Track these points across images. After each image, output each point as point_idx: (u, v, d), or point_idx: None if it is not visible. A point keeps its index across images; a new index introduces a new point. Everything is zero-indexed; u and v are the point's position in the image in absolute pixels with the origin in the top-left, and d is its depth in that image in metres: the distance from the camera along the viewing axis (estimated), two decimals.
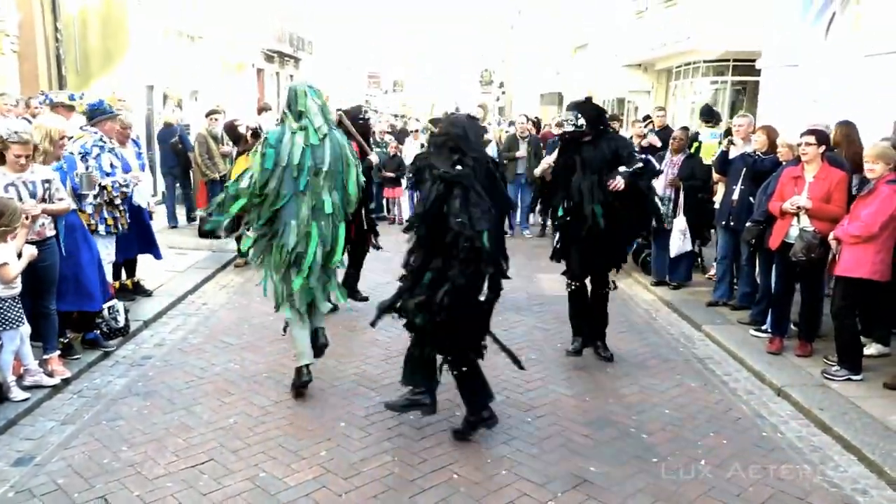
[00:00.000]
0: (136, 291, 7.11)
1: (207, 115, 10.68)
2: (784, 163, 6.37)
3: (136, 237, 6.71)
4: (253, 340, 6.19)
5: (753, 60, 12.13)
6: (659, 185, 8.31)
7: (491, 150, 11.87)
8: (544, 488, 3.90)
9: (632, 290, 8.38)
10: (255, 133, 8.48)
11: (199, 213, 10.78)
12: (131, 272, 7.11)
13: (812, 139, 5.73)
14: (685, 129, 9.03)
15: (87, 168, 5.80)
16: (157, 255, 7.18)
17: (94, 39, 11.79)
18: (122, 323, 5.89)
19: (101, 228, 5.97)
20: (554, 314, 7.21)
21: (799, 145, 5.84)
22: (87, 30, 11.55)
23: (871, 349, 5.81)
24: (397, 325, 6.62)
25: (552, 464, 4.17)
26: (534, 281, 8.67)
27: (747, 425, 4.76)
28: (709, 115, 9.99)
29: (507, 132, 13.40)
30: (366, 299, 7.24)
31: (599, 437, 4.55)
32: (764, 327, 6.38)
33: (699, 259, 8.76)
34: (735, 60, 15.41)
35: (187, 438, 4.36)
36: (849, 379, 5.35)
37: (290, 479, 3.92)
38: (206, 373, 5.44)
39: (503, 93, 49.44)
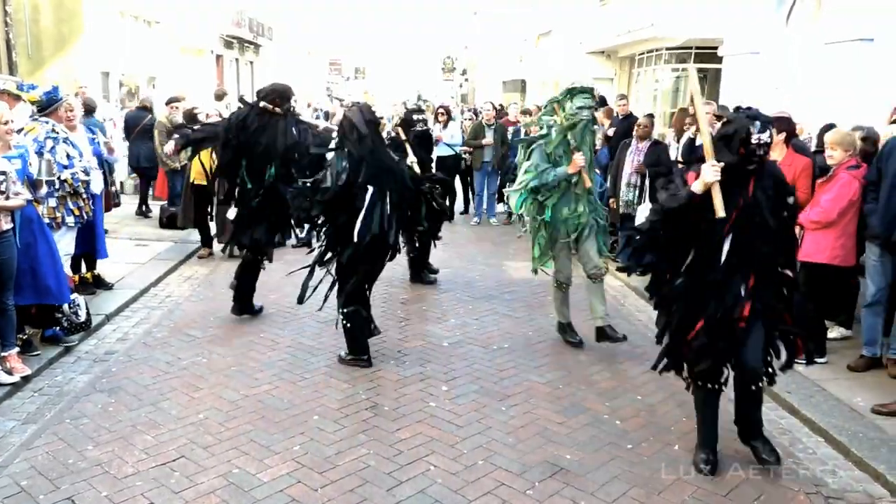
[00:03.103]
0: (97, 285, 6.92)
1: (168, 102, 10.41)
2: None
3: (88, 230, 6.43)
4: (220, 333, 6.07)
5: (716, 48, 12.29)
6: (625, 171, 8.41)
7: (457, 138, 11.86)
8: (521, 477, 3.90)
9: None
10: None
11: (162, 203, 10.54)
12: (91, 265, 6.91)
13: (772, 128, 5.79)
14: (650, 115, 9.10)
15: (44, 162, 5.61)
16: (103, 254, 6.79)
17: (47, 23, 11.41)
18: (83, 317, 5.73)
19: (70, 220, 5.80)
20: (523, 302, 7.23)
21: None
22: (39, 13, 11.17)
23: (834, 333, 5.93)
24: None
25: (528, 452, 4.17)
26: (502, 269, 8.67)
27: (720, 411, 4.81)
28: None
29: (470, 120, 13.34)
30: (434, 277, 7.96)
31: (573, 424, 4.56)
32: None
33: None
34: (698, 48, 15.56)
35: (156, 435, 4.25)
36: (814, 362, 5.44)
37: (264, 475, 3.85)
38: (172, 367, 5.31)
39: (466, 80, 49.33)
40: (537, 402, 4.87)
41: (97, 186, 6.42)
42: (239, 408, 4.66)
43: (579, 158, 5.53)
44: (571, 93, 5.51)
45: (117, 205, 8.27)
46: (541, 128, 5.85)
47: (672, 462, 4.11)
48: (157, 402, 4.71)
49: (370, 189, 5.06)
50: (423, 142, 7.99)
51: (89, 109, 10.49)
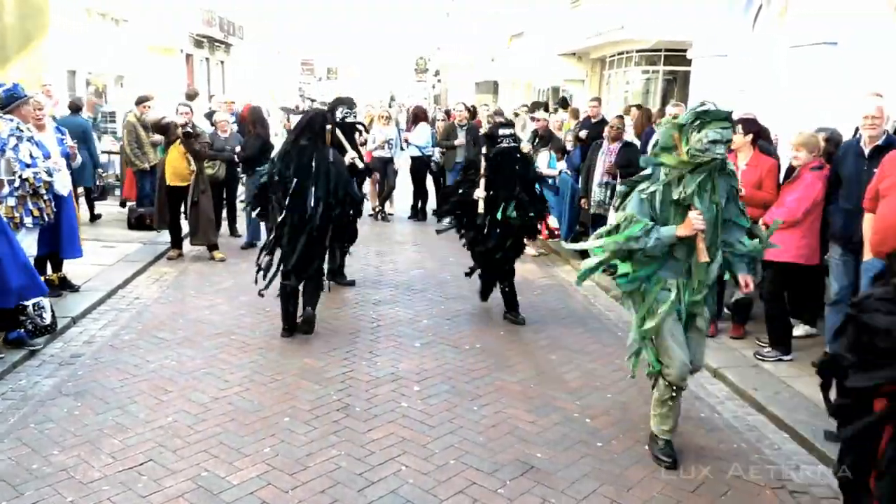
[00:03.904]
0: (63, 286, 6.79)
1: (138, 102, 10.27)
2: None
3: (53, 230, 6.30)
4: (189, 335, 6.00)
5: (685, 50, 12.43)
6: (596, 172, 8.48)
7: (426, 139, 11.88)
8: (493, 476, 3.91)
9: (570, 277, 8.48)
10: (188, 133, 8.19)
11: (130, 204, 10.40)
12: (57, 267, 6.78)
13: (738, 127, 5.89)
14: (621, 117, 9.18)
15: (4, 159, 5.49)
16: (74, 254, 6.62)
17: (12, 19, 11.19)
18: (48, 320, 5.62)
19: (28, 221, 5.68)
20: (495, 302, 7.24)
21: None
22: (4, 10, 10.96)
23: (799, 330, 6.04)
24: (337, 318, 6.59)
25: (499, 451, 4.19)
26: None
27: (686, 406, 4.85)
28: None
29: (443, 121, 13.35)
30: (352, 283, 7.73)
31: (545, 423, 4.59)
32: None
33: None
34: (667, 50, 15.77)
35: (123, 439, 4.19)
36: (780, 359, 5.56)
37: (234, 478, 3.82)
38: (140, 370, 5.24)
39: (439, 81, 49.36)
40: (509, 402, 4.89)
41: (64, 187, 6.31)
42: (208, 410, 4.61)
43: (696, 218, 3.81)
44: (702, 118, 3.74)
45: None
46: (644, 165, 4.12)
47: (642, 459, 4.15)
48: (125, 406, 4.64)
49: (295, 180, 5.81)
50: (509, 161, 6.39)
51: (76, 108, 10.35)
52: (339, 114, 6.80)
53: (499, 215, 6.34)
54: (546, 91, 23.41)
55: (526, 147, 9.98)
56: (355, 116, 7.16)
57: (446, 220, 7.21)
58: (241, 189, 10.20)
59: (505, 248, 6.56)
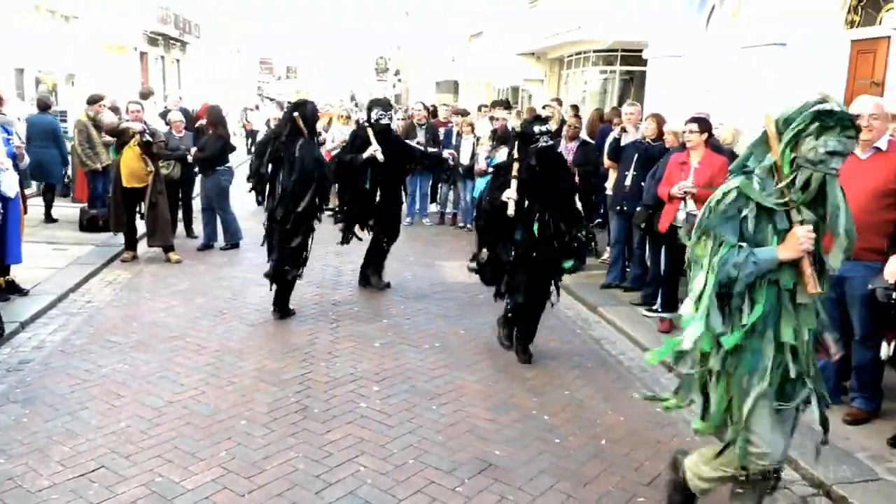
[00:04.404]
0: (11, 290, 6.59)
1: (90, 102, 10.03)
2: (670, 149, 6.65)
3: None
4: (143, 339, 5.88)
5: (641, 51, 12.62)
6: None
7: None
8: (451, 475, 3.92)
9: None
10: (148, 143, 8.05)
11: (82, 206, 10.15)
12: (4, 270, 6.59)
13: (695, 126, 6.01)
14: (577, 116, 9.29)
15: None
16: (17, 258, 6.39)
17: None
18: None
19: None
20: (456, 301, 7.27)
21: (683, 132, 6.11)
22: None
23: None
24: (296, 318, 6.53)
25: (458, 450, 4.20)
26: (435, 268, 8.70)
27: (642, 402, 4.94)
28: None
29: (403, 120, 13.33)
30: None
31: (503, 420, 4.62)
32: (655, 307, 6.66)
33: (593, 243, 9.03)
34: (623, 51, 15.98)
35: (74, 446, 4.09)
36: None
37: (188, 483, 3.75)
38: (92, 375, 5.12)
39: (399, 80, 49.25)
40: (468, 400, 4.90)
41: (10, 189, 6.14)
42: (163, 415, 4.53)
43: (803, 235, 2.79)
44: (824, 120, 2.76)
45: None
46: (731, 172, 3.11)
47: (598, 454, 4.20)
48: (76, 412, 4.53)
49: (271, 167, 6.37)
50: (549, 158, 5.39)
51: (44, 107, 10.08)
52: (373, 115, 7.27)
53: (535, 229, 5.33)
54: (506, 90, 23.53)
55: (487, 145, 10.05)
56: (391, 119, 7.56)
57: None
58: (196, 190, 10.04)
59: (549, 263, 5.49)
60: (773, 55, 8.47)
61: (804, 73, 7.92)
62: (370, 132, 7.14)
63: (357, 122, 11.41)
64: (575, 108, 11.22)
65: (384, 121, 7.26)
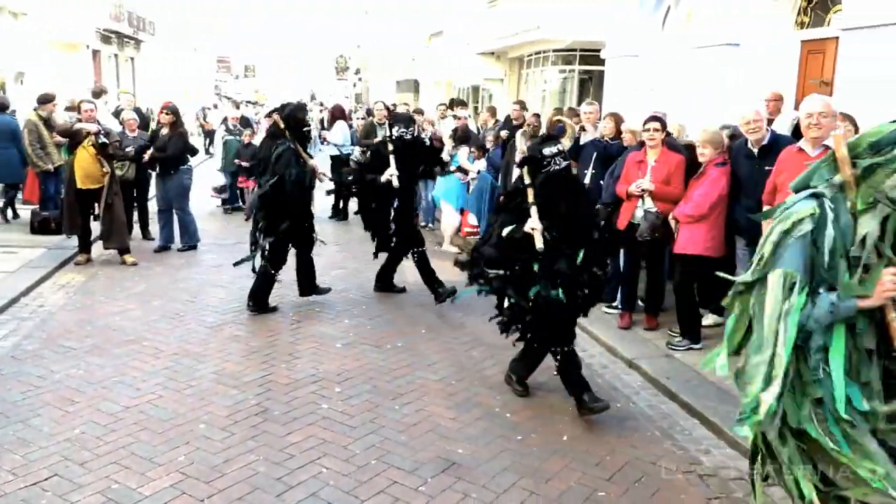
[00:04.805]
0: None
1: (41, 101, 9.75)
2: (628, 147, 6.74)
3: None
4: (98, 343, 5.75)
5: (599, 50, 12.76)
6: (514, 171, 8.59)
7: (343, 137, 11.82)
8: (414, 474, 3.91)
9: None
10: (104, 144, 7.88)
11: (33, 207, 9.88)
12: None
13: (657, 125, 6.09)
14: (537, 115, 9.35)
15: None
16: None
17: None
18: None
19: None
20: (417, 301, 7.26)
21: (646, 131, 6.17)
22: None
23: (708, 320, 6.29)
24: (256, 320, 6.46)
25: (421, 449, 4.19)
26: (397, 269, 8.64)
27: (603, 397, 5.00)
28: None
29: (363, 119, 13.28)
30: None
31: (466, 419, 4.62)
32: (614, 304, 6.74)
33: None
34: (582, 50, 16.15)
35: (25, 454, 3.98)
36: (690, 348, 5.78)
37: (146, 489, 3.68)
38: (44, 381, 4.98)
39: (360, 79, 49.00)
40: (430, 400, 4.90)
41: None
42: (119, 420, 4.43)
43: (890, 279, 2.34)
44: None
45: None
46: (793, 189, 2.59)
47: (559, 451, 4.24)
48: (28, 419, 4.40)
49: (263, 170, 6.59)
50: (562, 190, 4.76)
51: (2, 107, 9.74)
52: (395, 132, 7.14)
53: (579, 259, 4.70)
54: (466, 90, 23.59)
55: (449, 144, 10.06)
56: (413, 135, 7.22)
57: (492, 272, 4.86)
58: (152, 191, 9.84)
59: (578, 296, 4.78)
60: (726, 55, 8.64)
61: (757, 73, 8.10)
62: (390, 151, 6.93)
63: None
64: (521, 103, 11.21)
65: (407, 137, 7.04)
